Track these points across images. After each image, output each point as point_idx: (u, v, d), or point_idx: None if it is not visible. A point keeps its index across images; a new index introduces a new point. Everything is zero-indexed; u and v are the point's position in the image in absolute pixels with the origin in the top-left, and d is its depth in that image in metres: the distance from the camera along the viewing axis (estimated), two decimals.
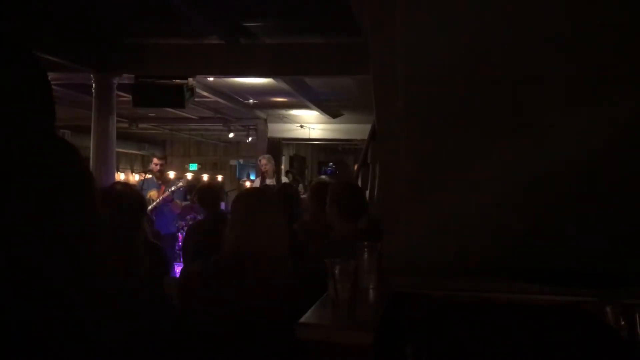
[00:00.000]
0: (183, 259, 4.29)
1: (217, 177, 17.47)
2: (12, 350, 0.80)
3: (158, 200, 5.63)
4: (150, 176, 5.98)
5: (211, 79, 8.44)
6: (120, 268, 1.12)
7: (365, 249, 1.88)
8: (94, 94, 7.38)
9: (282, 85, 8.37)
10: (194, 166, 18.87)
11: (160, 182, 5.92)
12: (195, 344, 1.98)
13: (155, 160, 6.09)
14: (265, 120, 13.35)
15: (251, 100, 10.84)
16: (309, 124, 13.50)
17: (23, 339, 0.81)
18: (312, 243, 2.76)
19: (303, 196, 5.39)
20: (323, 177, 14.30)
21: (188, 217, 7.12)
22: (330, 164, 17.62)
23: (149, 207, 5.30)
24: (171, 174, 7.65)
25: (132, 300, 1.08)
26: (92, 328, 0.91)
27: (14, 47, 0.94)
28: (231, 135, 14.41)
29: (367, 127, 5.01)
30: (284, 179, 7.49)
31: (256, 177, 6.96)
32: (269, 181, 6.74)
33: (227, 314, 2.00)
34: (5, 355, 0.80)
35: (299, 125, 13.57)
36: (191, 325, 2.04)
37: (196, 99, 8.13)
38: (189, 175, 16.57)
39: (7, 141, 0.86)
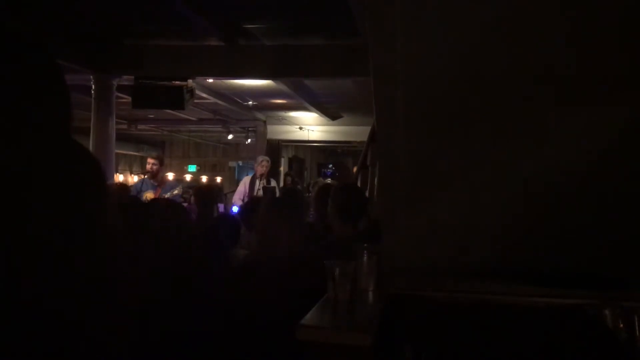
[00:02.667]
0: None
1: (216, 179, 17.48)
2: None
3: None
4: (147, 177, 5.96)
5: (210, 80, 8.45)
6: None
7: (365, 251, 1.88)
8: (93, 95, 7.38)
9: (282, 86, 8.38)
10: (192, 167, 18.87)
11: (156, 184, 5.90)
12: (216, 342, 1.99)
13: (149, 160, 6.07)
14: (265, 122, 13.36)
15: (250, 102, 10.84)
16: (308, 125, 13.51)
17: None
18: (312, 244, 2.76)
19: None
20: (320, 178, 14.30)
21: None
22: (330, 165, 17.60)
23: None
24: (170, 176, 7.65)
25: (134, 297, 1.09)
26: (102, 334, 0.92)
27: (34, 49, 0.95)
28: (230, 136, 14.41)
29: (366, 129, 5.01)
30: (273, 182, 7.40)
31: (254, 177, 6.87)
32: (259, 183, 6.70)
33: (257, 316, 2.03)
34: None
35: (298, 127, 13.57)
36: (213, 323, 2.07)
37: (195, 101, 8.13)
38: (188, 177, 16.62)
39: (22, 143, 0.87)
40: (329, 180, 11.96)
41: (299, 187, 11.94)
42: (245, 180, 7.10)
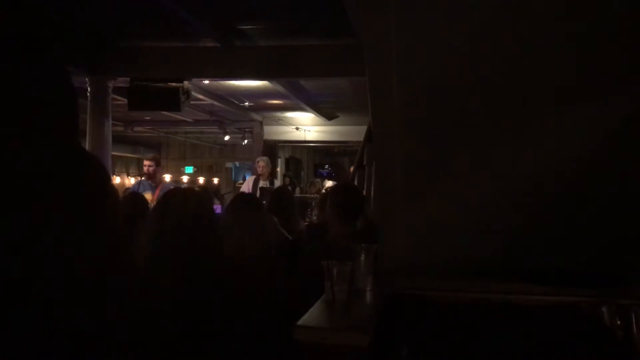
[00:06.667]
0: None
1: (213, 180, 17.46)
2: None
3: (154, 204, 5.60)
4: (144, 179, 5.95)
5: (206, 81, 8.44)
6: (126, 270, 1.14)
7: (362, 251, 1.88)
8: (89, 97, 7.35)
9: (278, 87, 8.37)
10: (189, 169, 18.83)
11: (154, 185, 5.89)
12: (191, 344, 1.98)
13: (145, 162, 6.07)
14: (261, 123, 13.35)
15: (246, 103, 10.84)
16: (305, 126, 13.51)
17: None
18: (309, 244, 2.76)
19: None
20: (317, 179, 14.33)
21: None
22: (326, 166, 17.57)
23: None
24: (167, 177, 7.64)
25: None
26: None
27: (42, 54, 0.96)
28: (227, 137, 14.39)
29: (362, 129, 5.01)
30: (277, 182, 7.45)
31: (257, 178, 6.89)
32: (262, 183, 6.72)
33: (222, 316, 2.01)
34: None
35: (294, 127, 13.57)
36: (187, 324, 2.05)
37: (191, 102, 8.12)
38: (185, 179, 16.60)
39: (31, 148, 0.88)
40: (329, 183, 11.97)
41: (297, 187, 11.95)
42: (249, 180, 7.14)
